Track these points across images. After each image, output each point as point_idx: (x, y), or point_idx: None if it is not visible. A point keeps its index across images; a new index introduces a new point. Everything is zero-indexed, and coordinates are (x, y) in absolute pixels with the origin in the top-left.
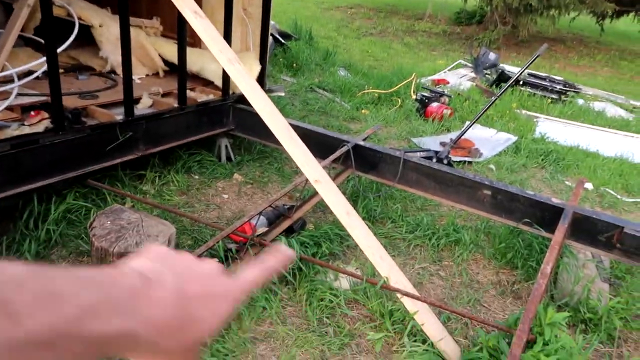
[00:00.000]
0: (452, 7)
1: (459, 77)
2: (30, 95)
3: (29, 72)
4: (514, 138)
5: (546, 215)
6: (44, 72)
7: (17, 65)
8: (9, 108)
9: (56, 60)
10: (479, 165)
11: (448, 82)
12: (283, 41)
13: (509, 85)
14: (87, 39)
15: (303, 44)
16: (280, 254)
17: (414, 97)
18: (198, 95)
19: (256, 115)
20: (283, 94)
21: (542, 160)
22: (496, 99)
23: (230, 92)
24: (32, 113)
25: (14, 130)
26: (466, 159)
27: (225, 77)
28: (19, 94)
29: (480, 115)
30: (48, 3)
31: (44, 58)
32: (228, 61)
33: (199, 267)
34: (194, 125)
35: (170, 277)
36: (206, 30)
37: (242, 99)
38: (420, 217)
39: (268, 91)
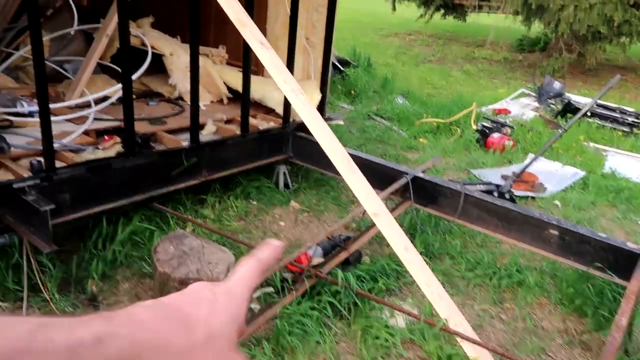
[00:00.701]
0: (514, 33)
1: (522, 107)
2: (105, 120)
3: (105, 98)
4: (581, 173)
5: (620, 261)
6: (118, 98)
7: (94, 91)
8: (85, 132)
9: (131, 88)
10: (543, 201)
11: (510, 112)
12: (342, 68)
13: (577, 119)
14: (157, 66)
15: (361, 71)
16: (269, 245)
17: (474, 127)
18: (259, 123)
19: (315, 143)
20: (342, 122)
21: (613, 198)
22: (563, 133)
23: (291, 119)
24: (106, 137)
25: (89, 154)
26: (529, 193)
27: (287, 106)
28: (94, 119)
29: (546, 149)
30: (126, 33)
31: (120, 85)
32: (291, 91)
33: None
34: (255, 152)
35: (149, 302)
36: (272, 60)
37: (301, 126)
38: (480, 254)
39: (327, 119)
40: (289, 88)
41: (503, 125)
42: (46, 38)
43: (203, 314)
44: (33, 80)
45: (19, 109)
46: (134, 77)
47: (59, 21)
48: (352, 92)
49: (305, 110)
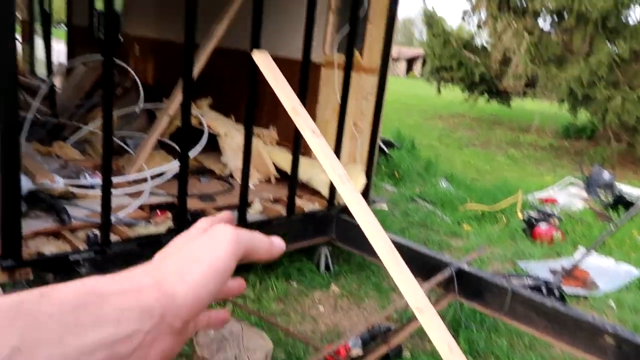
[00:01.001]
0: (560, 119)
1: (569, 196)
2: (159, 195)
3: (161, 173)
4: (636, 272)
5: None
6: (174, 175)
7: (152, 166)
8: (140, 206)
9: (187, 166)
10: (596, 301)
11: (557, 202)
12: (386, 149)
13: (631, 216)
14: (211, 144)
15: (405, 153)
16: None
17: (520, 216)
18: (305, 204)
19: (359, 227)
20: (385, 207)
21: None
22: (617, 229)
23: (336, 202)
24: (158, 212)
25: (141, 229)
26: (581, 292)
27: (332, 189)
28: (150, 193)
29: (598, 244)
30: (188, 114)
31: (176, 162)
32: (338, 178)
33: None
34: (299, 234)
35: None
36: (321, 148)
37: (346, 209)
38: (528, 357)
39: (371, 203)
40: (336, 175)
41: (550, 215)
42: (114, 114)
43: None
44: (98, 154)
45: (82, 181)
46: (190, 155)
47: (126, 99)
48: (396, 173)
49: (351, 198)
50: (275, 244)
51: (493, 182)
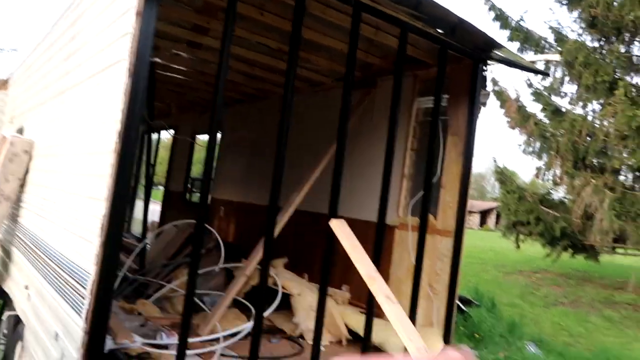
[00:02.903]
0: None
1: None
2: (229, 356)
3: (233, 334)
4: None
5: None
6: (246, 334)
7: (224, 324)
8: None
9: (261, 325)
10: None
11: None
12: (463, 307)
13: None
14: (283, 304)
15: (485, 312)
16: None
17: None
18: None
19: None
20: None
21: None
22: None
23: None
24: None
25: None
26: None
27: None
28: (220, 354)
29: None
30: (266, 276)
31: (250, 324)
32: (417, 350)
33: None
34: None
35: None
36: (397, 315)
37: None
38: None
39: None
40: (414, 346)
41: None
42: None
43: None
44: (176, 311)
45: (157, 341)
46: (264, 314)
47: (208, 259)
48: (476, 335)
49: None
50: None
51: (590, 348)
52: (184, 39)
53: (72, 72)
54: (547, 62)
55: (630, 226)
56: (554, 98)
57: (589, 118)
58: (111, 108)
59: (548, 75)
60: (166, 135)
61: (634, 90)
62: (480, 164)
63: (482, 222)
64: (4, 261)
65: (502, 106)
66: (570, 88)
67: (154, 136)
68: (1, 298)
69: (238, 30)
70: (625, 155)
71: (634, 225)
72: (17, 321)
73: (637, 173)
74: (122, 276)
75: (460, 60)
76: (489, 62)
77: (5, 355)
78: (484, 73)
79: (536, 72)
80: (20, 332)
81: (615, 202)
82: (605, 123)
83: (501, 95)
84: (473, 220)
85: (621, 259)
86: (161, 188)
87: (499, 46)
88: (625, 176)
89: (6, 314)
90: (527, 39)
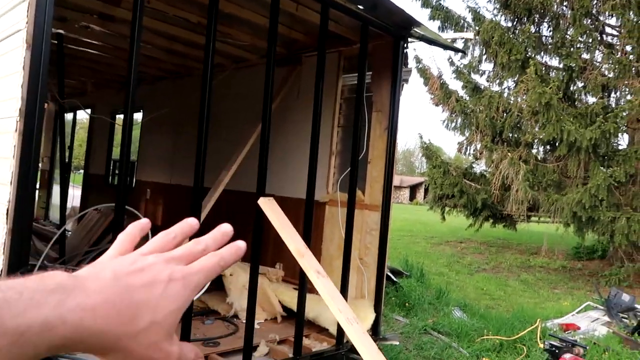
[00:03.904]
0: (568, 241)
1: (591, 321)
2: None
3: None
4: None
5: None
6: None
7: None
8: None
9: (191, 306)
10: None
11: (579, 328)
12: (394, 279)
13: None
14: (216, 284)
15: (414, 282)
16: (234, 246)
17: (541, 345)
18: (312, 344)
19: None
20: (397, 343)
21: None
22: None
23: (344, 340)
24: None
25: None
26: None
27: (340, 328)
28: None
29: None
30: None
31: None
32: (346, 321)
33: (142, 259)
34: None
35: (109, 270)
36: (327, 289)
37: (355, 349)
38: None
39: (382, 339)
40: (344, 317)
41: (574, 344)
42: None
43: (154, 298)
44: None
45: None
46: (195, 297)
47: None
48: (407, 304)
49: (359, 340)
50: (235, 247)
51: (509, 309)
52: (95, 11)
53: None
54: (466, 40)
55: (542, 196)
56: (473, 76)
57: (505, 95)
58: (10, 84)
59: (464, 52)
60: (84, 116)
61: (543, 68)
62: (409, 141)
63: (412, 196)
64: None
65: (425, 83)
66: (487, 66)
67: (69, 117)
68: None
69: (155, 3)
70: (536, 129)
71: (545, 195)
72: None
73: (547, 146)
74: (39, 265)
75: (382, 38)
76: (409, 39)
77: None
78: (405, 50)
79: (453, 49)
80: None
81: (529, 173)
82: (519, 99)
83: (424, 72)
84: (403, 195)
85: (535, 226)
86: (82, 172)
87: (418, 24)
88: (537, 149)
89: None
90: (447, 18)
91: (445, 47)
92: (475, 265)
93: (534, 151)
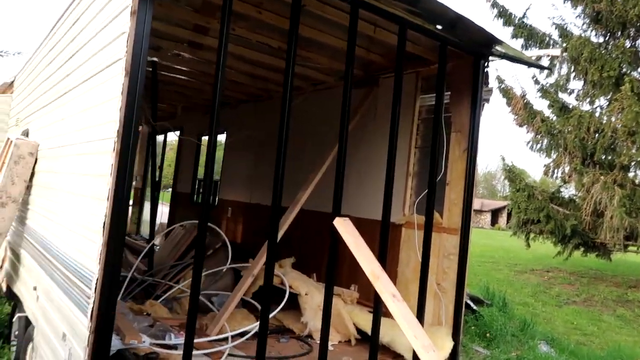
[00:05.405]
0: None
1: None
2: (238, 356)
3: (241, 333)
4: None
5: None
6: (254, 334)
7: (233, 324)
8: None
9: (267, 325)
10: None
11: None
12: (474, 307)
13: None
14: (291, 302)
15: (496, 311)
16: None
17: None
18: None
19: None
20: None
21: None
22: None
23: None
24: None
25: None
26: None
27: (416, 355)
28: (228, 354)
29: None
30: (271, 274)
31: (257, 324)
32: (423, 348)
33: None
34: None
35: None
36: (402, 314)
37: None
38: None
39: None
40: (420, 344)
41: None
42: (203, 274)
43: None
44: (184, 312)
45: (166, 341)
46: (271, 315)
47: (215, 259)
48: (487, 334)
49: None
50: None
51: (603, 347)
52: (185, 39)
53: (73, 73)
54: (552, 58)
55: None
56: (560, 95)
57: (597, 114)
58: (110, 108)
59: (550, 70)
60: (174, 138)
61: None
62: (491, 163)
63: (494, 221)
64: (14, 263)
65: (508, 104)
66: (576, 84)
67: (160, 138)
68: (12, 300)
69: (238, 30)
70: (633, 151)
71: None
72: (27, 322)
73: None
74: (130, 277)
75: (462, 57)
76: (490, 58)
77: (17, 357)
78: (485, 69)
79: (538, 66)
80: (30, 333)
81: (625, 198)
82: (613, 119)
83: (507, 92)
84: (484, 219)
85: (633, 256)
86: (170, 190)
87: (499, 42)
88: (635, 172)
89: (17, 315)
90: (531, 35)
91: (530, 64)
92: (564, 297)
93: (631, 174)
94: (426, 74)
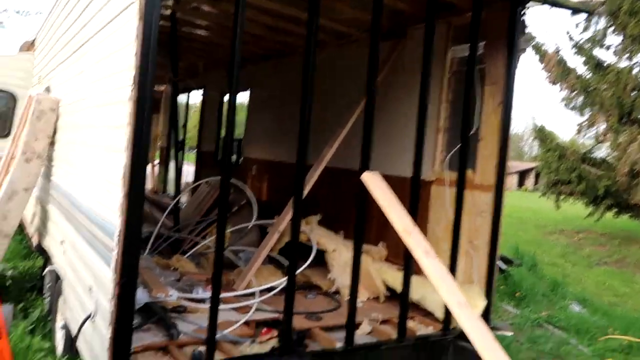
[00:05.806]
0: None
1: None
2: (266, 311)
3: (269, 289)
4: None
5: None
6: (281, 290)
7: (260, 280)
8: (246, 322)
9: (294, 283)
10: None
11: None
12: (503, 267)
13: None
14: (318, 259)
15: (525, 271)
16: None
17: None
18: (417, 326)
19: (479, 357)
20: (510, 334)
21: None
22: None
23: (451, 326)
24: (264, 330)
25: (246, 347)
26: None
27: (448, 311)
28: (256, 309)
29: None
30: (297, 231)
31: (284, 279)
32: (457, 305)
33: None
34: None
35: None
36: (435, 270)
37: (464, 335)
38: None
39: (493, 329)
40: (454, 300)
41: None
42: (228, 230)
43: None
44: (211, 267)
45: (193, 295)
46: (297, 271)
47: (241, 215)
48: (517, 294)
49: (471, 325)
50: None
51: (637, 308)
52: None
53: (88, 24)
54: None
55: None
56: (596, 51)
57: (635, 71)
58: (125, 55)
59: (591, 13)
60: (198, 99)
61: None
62: (517, 125)
63: (521, 183)
64: (42, 218)
65: (540, 60)
66: (614, 39)
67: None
68: (43, 254)
69: None
70: None
71: None
72: (57, 276)
73: None
74: (156, 233)
75: (497, 3)
76: (527, 5)
77: (50, 308)
78: (522, 17)
79: (581, 10)
80: (60, 286)
81: None
82: None
83: (539, 49)
84: (511, 181)
85: None
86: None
87: None
88: None
89: (47, 269)
90: None
91: (574, 9)
92: (595, 258)
93: None
94: (458, 23)
